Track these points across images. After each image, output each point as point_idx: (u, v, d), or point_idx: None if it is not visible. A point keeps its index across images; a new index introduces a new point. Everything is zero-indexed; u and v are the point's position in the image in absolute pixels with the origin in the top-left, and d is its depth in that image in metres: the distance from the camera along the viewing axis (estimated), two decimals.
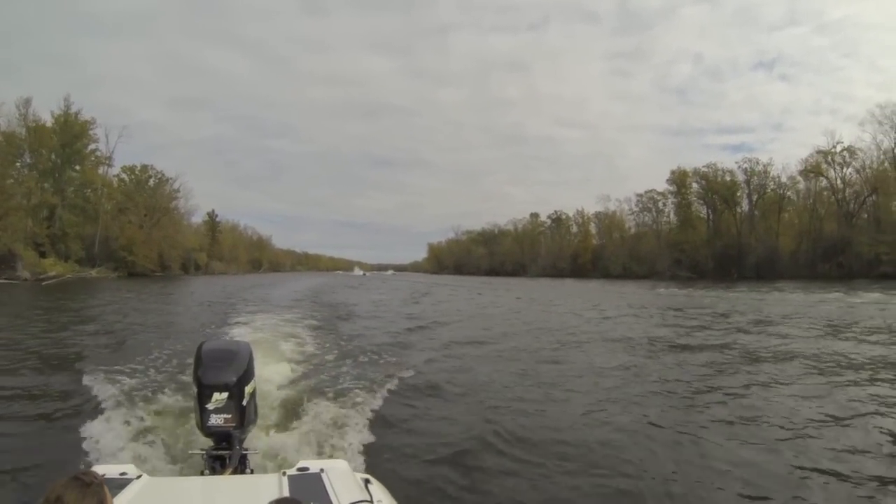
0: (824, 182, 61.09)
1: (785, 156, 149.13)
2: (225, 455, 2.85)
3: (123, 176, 63.65)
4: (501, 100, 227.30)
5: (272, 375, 6.22)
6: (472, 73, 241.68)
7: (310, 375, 6.77)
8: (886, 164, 56.04)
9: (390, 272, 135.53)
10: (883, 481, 3.86)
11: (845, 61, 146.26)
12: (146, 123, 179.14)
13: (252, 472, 2.91)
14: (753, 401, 6.15)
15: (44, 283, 36.10)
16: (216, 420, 2.88)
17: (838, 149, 58.63)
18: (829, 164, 59.94)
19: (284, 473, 2.27)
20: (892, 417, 5.42)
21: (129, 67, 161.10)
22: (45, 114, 50.76)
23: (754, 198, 67.80)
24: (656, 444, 4.67)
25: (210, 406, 2.88)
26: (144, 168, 65.87)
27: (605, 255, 78.91)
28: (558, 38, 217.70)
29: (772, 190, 66.54)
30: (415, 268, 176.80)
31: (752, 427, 5.16)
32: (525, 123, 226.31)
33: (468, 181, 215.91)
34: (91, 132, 53.94)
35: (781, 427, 5.12)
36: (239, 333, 10.09)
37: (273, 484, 2.16)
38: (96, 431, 4.35)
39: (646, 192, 77.97)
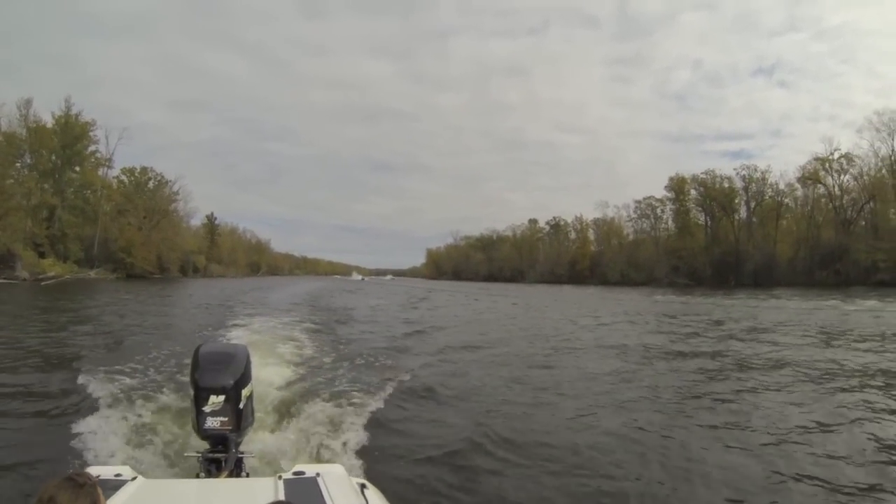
0: (822, 189, 61.38)
1: (784, 162, 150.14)
2: (221, 458, 2.84)
3: (123, 178, 64.00)
4: (501, 104, 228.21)
5: (269, 378, 6.24)
6: (472, 78, 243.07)
7: (307, 378, 6.80)
8: (884, 171, 56.30)
9: (389, 277, 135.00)
10: (864, 487, 3.95)
11: (844, 67, 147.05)
12: (146, 125, 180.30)
13: (248, 475, 2.90)
14: (742, 406, 6.24)
15: (43, 284, 36.15)
16: (212, 423, 2.86)
17: (836, 156, 59.04)
18: (826, 171, 60.23)
19: (280, 477, 2.25)
20: (878, 423, 5.51)
21: (129, 69, 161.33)
22: (46, 115, 51.08)
23: (752, 205, 68.04)
24: (643, 447, 4.75)
25: (206, 409, 2.86)
26: (144, 170, 66.23)
27: (603, 261, 78.91)
28: (558, 43, 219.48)
29: (770, 197, 66.82)
30: (413, 273, 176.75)
31: (738, 432, 5.25)
32: (525, 128, 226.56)
33: (468, 186, 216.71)
34: (91, 133, 54.24)
35: (768, 432, 5.20)
36: (236, 336, 10.11)
37: (269, 487, 2.15)
38: (92, 431, 4.37)
39: (644, 199, 78.36)
